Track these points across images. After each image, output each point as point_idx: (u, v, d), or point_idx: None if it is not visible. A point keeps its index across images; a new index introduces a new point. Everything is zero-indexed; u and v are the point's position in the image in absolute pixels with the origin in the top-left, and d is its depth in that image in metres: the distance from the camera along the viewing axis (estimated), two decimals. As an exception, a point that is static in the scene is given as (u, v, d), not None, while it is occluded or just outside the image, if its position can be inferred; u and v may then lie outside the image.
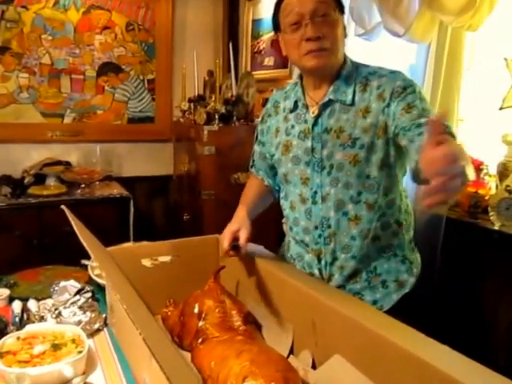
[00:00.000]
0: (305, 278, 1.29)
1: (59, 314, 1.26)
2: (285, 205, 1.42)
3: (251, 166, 1.56)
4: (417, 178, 1.08)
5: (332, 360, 1.03)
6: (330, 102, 1.27)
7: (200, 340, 1.15)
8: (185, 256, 1.46)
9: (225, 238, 1.34)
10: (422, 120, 1.10)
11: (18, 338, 1.11)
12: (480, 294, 1.79)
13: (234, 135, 2.72)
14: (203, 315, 1.20)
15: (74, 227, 1.19)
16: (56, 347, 1.07)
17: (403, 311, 1.20)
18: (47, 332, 1.14)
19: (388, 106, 1.19)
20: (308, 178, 1.31)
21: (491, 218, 1.74)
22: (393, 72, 1.24)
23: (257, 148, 1.52)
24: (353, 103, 1.24)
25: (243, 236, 1.33)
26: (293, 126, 1.35)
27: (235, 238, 1.34)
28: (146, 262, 1.43)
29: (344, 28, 1.28)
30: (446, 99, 1.81)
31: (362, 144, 1.22)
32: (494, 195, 1.75)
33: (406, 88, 1.18)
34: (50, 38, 3.23)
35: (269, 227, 1.70)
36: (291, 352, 1.19)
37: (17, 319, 1.25)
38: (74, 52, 3.31)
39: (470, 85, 1.93)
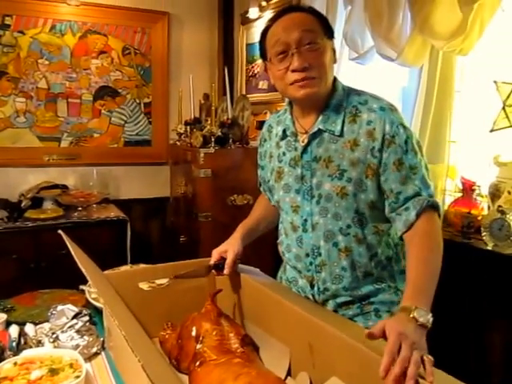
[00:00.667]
0: (301, 301, 1.28)
1: (56, 338, 1.25)
2: (281, 230, 1.43)
3: (260, 185, 1.57)
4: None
5: (329, 382, 1.03)
6: (318, 132, 1.25)
7: (198, 363, 1.14)
8: (182, 279, 1.46)
9: (212, 257, 1.41)
10: (409, 191, 1.17)
11: (15, 364, 1.09)
12: (474, 314, 1.79)
13: (229, 158, 2.74)
14: (201, 338, 1.19)
15: (72, 251, 1.18)
16: (53, 372, 1.06)
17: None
18: (45, 357, 1.12)
19: (379, 151, 1.18)
20: (298, 206, 1.31)
21: (484, 238, 1.75)
22: (382, 108, 1.20)
23: (258, 171, 1.54)
24: (341, 134, 1.22)
25: (229, 257, 1.38)
26: (284, 153, 1.35)
27: (222, 258, 1.39)
28: (144, 286, 1.42)
29: (333, 53, 1.26)
30: (438, 121, 1.84)
31: (350, 177, 1.21)
32: (487, 216, 1.77)
33: (394, 137, 1.17)
34: (46, 62, 3.27)
35: (265, 250, 1.71)
36: (289, 374, 1.18)
37: (14, 344, 1.24)
38: (71, 76, 3.35)
39: (462, 107, 1.95)
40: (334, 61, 1.26)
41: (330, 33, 1.24)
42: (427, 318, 0.97)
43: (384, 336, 0.91)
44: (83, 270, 1.09)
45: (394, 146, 1.17)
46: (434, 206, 1.18)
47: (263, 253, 2.05)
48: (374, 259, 1.26)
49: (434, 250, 1.14)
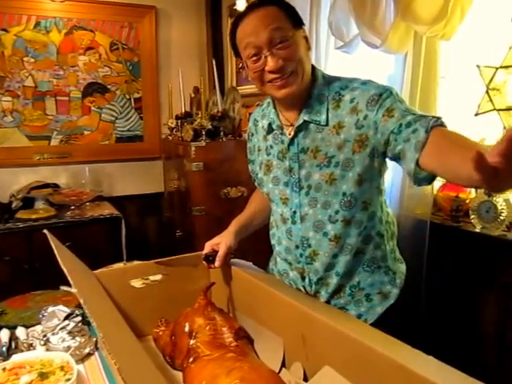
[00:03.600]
0: (293, 293, 1.30)
1: (47, 340, 1.24)
2: (272, 222, 1.43)
3: (254, 181, 1.57)
4: (417, 177, 1.05)
5: (322, 371, 1.04)
6: (304, 123, 1.24)
7: (191, 359, 1.14)
8: (175, 274, 1.46)
9: (204, 249, 1.43)
10: (409, 117, 1.07)
11: (4, 369, 1.08)
12: (465, 295, 1.81)
13: (221, 151, 2.73)
14: (194, 333, 1.19)
15: (55, 251, 1.15)
16: (43, 376, 1.05)
17: (388, 323, 1.21)
18: (35, 361, 1.11)
19: (365, 117, 1.15)
20: (288, 198, 1.30)
21: (472, 221, 1.77)
22: (364, 83, 1.20)
23: (249, 166, 1.54)
24: (327, 123, 1.22)
25: (221, 250, 1.39)
26: (271, 146, 1.35)
27: (214, 250, 1.41)
28: (136, 283, 1.42)
29: (306, 40, 1.23)
30: (425, 107, 1.83)
31: (337, 162, 1.20)
32: (474, 199, 1.78)
33: (381, 94, 1.14)
34: (32, 60, 3.23)
35: (261, 243, 1.71)
36: (283, 365, 1.19)
37: (4, 349, 1.22)
38: (58, 73, 3.32)
39: (447, 92, 1.95)
40: (308, 48, 1.25)
41: (298, 22, 1.22)
42: None
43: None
44: (65, 270, 1.07)
45: (380, 101, 1.13)
46: (442, 125, 1.03)
47: (259, 246, 2.05)
48: (362, 234, 1.25)
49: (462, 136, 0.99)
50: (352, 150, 1.18)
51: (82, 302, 0.94)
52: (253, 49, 1.18)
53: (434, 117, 1.05)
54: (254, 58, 1.19)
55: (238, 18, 1.23)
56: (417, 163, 1.02)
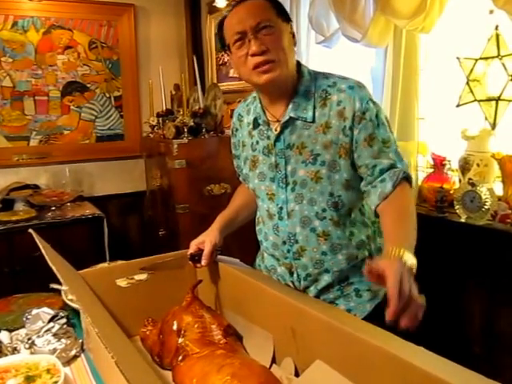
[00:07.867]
0: (281, 287, 1.29)
1: (32, 343, 1.22)
2: (259, 218, 1.43)
3: (238, 176, 1.56)
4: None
5: (314, 366, 1.03)
6: (291, 120, 1.25)
7: (180, 357, 1.13)
8: (161, 272, 1.44)
9: (189, 249, 1.41)
10: (385, 162, 1.18)
11: (-11, 374, 1.06)
12: (452, 286, 1.83)
13: (204, 147, 2.72)
14: (182, 332, 1.18)
15: (43, 251, 1.15)
16: (30, 379, 1.03)
17: (377, 318, 1.21)
18: (20, 364, 1.09)
19: (351, 129, 1.19)
20: (274, 194, 1.31)
21: (457, 211, 1.79)
22: (351, 87, 1.21)
23: (234, 162, 1.53)
24: (313, 120, 1.22)
25: (206, 248, 1.37)
26: (257, 142, 1.34)
27: (200, 249, 1.39)
28: (122, 282, 1.40)
29: (293, 36, 1.25)
30: (406, 99, 1.86)
31: (323, 161, 1.21)
32: (458, 189, 1.80)
33: (364, 113, 1.18)
34: (10, 60, 3.18)
35: (247, 239, 1.71)
36: (274, 361, 1.18)
37: (-13, 354, 1.20)
38: (37, 73, 3.27)
39: (428, 85, 1.97)
40: (294, 43, 1.26)
41: (285, 16, 1.24)
42: (413, 261, 1.00)
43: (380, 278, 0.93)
44: (54, 269, 1.05)
45: (364, 121, 1.18)
46: (407, 179, 1.19)
47: (246, 244, 2.04)
48: (353, 239, 1.27)
49: (408, 216, 1.15)
50: (338, 153, 1.21)
51: (74, 298, 0.93)
52: (237, 33, 1.19)
53: (402, 168, 1.19)
54: (238, 44, 1.20)
55: (227, 11, 1.25)
56: (377, 207, 1.18)
